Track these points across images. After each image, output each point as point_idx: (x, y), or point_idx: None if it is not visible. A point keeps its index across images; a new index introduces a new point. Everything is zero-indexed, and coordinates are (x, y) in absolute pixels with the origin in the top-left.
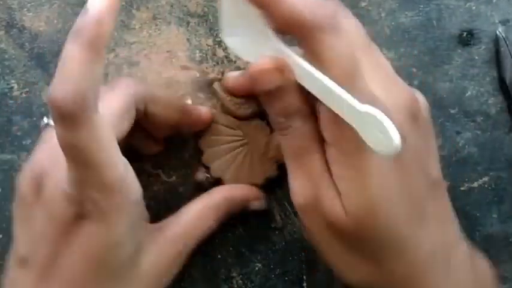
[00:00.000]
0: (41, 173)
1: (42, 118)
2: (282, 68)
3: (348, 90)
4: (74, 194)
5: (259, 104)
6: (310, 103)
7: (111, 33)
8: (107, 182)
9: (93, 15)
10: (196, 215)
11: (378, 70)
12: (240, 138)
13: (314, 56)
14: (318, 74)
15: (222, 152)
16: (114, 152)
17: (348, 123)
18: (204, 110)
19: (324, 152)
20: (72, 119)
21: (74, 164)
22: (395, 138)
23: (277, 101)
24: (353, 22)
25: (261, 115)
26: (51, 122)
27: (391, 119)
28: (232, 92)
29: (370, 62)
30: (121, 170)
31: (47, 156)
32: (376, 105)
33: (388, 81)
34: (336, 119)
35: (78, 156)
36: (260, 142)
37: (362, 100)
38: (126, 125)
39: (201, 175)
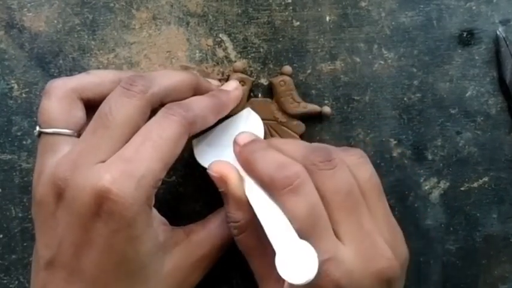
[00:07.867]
0: (61, 180)
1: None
2: (224, 179)
3: (308, 238)
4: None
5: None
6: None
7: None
8: None
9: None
10: (223, 221)
11: (355, 228)
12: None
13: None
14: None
15: None
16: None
17: (273, 249)
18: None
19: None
20: None
21: None
22: (314, 271)
23: (226, 204)
24: (318, 184)
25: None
26: (45, 130)
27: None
28: None
29: (348, 222)
30: None
31: (64, 164)
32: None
33: (366, 243)
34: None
35: None
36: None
37: (323, 247)
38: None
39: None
